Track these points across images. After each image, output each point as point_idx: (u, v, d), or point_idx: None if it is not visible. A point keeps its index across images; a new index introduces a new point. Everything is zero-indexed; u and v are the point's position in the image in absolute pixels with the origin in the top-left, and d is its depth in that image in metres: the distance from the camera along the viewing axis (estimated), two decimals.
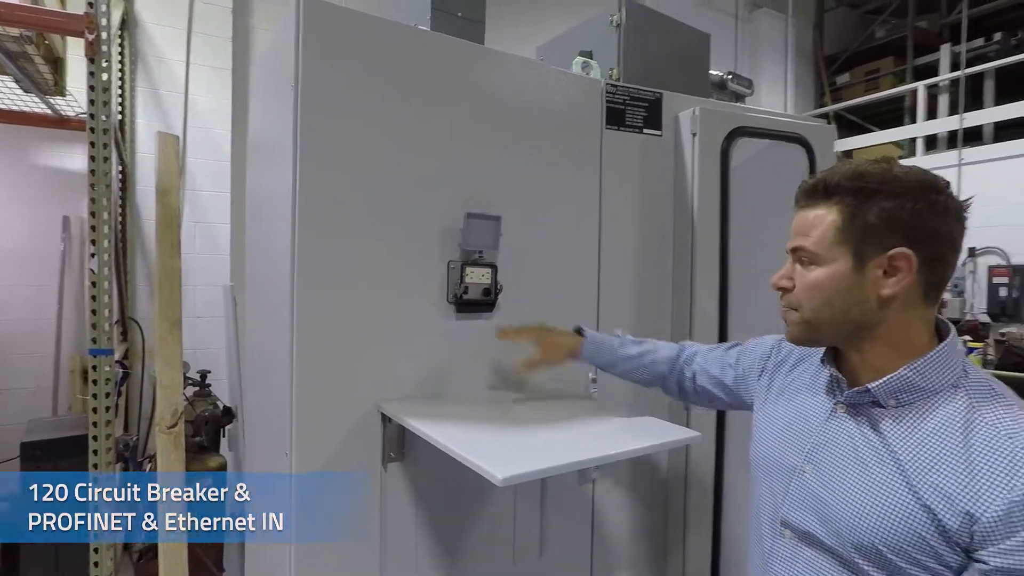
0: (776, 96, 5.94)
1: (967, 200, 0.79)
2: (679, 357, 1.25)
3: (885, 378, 0.78)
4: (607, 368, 1.30)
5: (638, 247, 1.63)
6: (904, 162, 4.98)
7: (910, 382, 0.77)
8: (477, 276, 1.31)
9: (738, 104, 2.02)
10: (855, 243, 0.77)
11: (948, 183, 0.78)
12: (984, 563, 0.67)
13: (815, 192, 0.81)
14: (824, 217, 0.79)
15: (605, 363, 1.30)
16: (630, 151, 1.60)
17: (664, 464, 1.69)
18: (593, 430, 1.12)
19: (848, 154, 6.42)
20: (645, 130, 1.61)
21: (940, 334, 0.81)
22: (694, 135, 1.59)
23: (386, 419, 1.22)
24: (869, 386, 0.79)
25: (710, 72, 1.94)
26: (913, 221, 0.75)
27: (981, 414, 0.73)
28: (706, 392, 1.17)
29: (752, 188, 1.62)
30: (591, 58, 1.63)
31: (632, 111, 1.58)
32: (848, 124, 6.50)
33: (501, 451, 0.95)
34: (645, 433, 1.12)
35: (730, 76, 1.98)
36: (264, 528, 1.26)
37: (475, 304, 1.34)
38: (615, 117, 1.55)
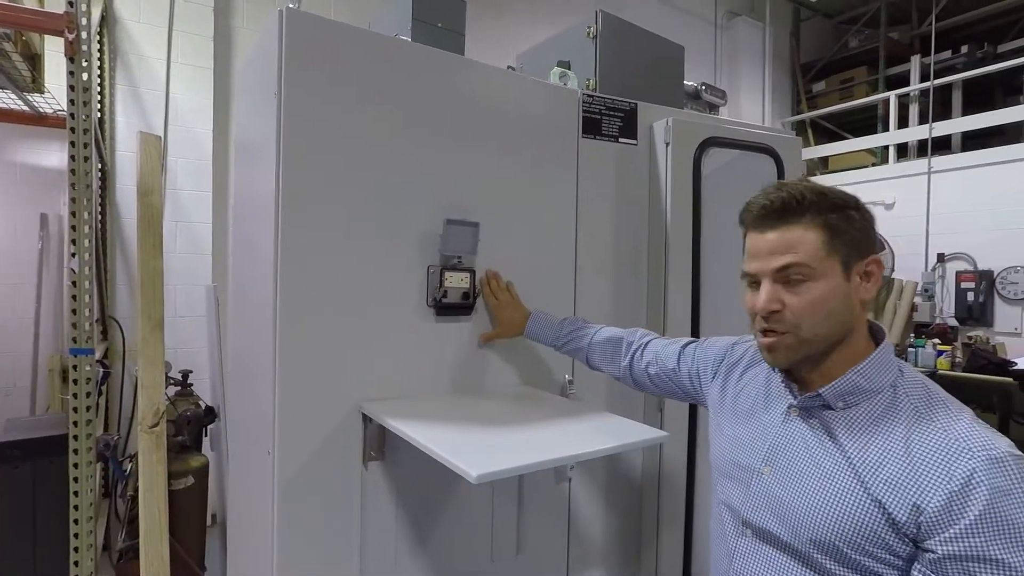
0: (754, 103, 6.07)
1: None
2: (628, 341, 1.30)
3: (834, 382, 0.83)
4: (553, 344, 1.42)
5: (614, 252, 1.69)
6: (877, 169, 5.15)
7: (855, 384, 0.82)
8: (456, 280, 1.36)
9: (711, 115, 2.09)
10: (842, 254, 0.81)
11: None
12: (932, 551, 0.71)
13: (788, 211, 0.82)
14: (806, 233, 0.81)
15: (549, 339, 1.42)
16: (606, 159, 1.65)
17: (638, 463, 1.75)
18: (566, 430, 1.16)
19: (824, 161, 6.59)
20: (621, 139, 1.66)
21: (875, 337, 0.87)
22: (667, 144, 1.64)
23: (367, 419, 1.26)
24: (820, 391, 0.84)
25: (684, 83, 2.00)
26: (871, 230, 0.84)
27: (918, 411, 0.79)
28: (662, 383, 1.23)
29: (723, 196, 1.69)
30: (569, 68, 1.68)
31: (608, 120, 1.63)
32: (824, 131, 6.66)
33: (477, 450, 1.00)
34: (615, 433, 1.17)
35: (704, 87, 2.04)
36: (247, 524, 1.28)
37: (454, 307, 1.38)
38: (591, 126, 1.60)
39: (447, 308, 1.37)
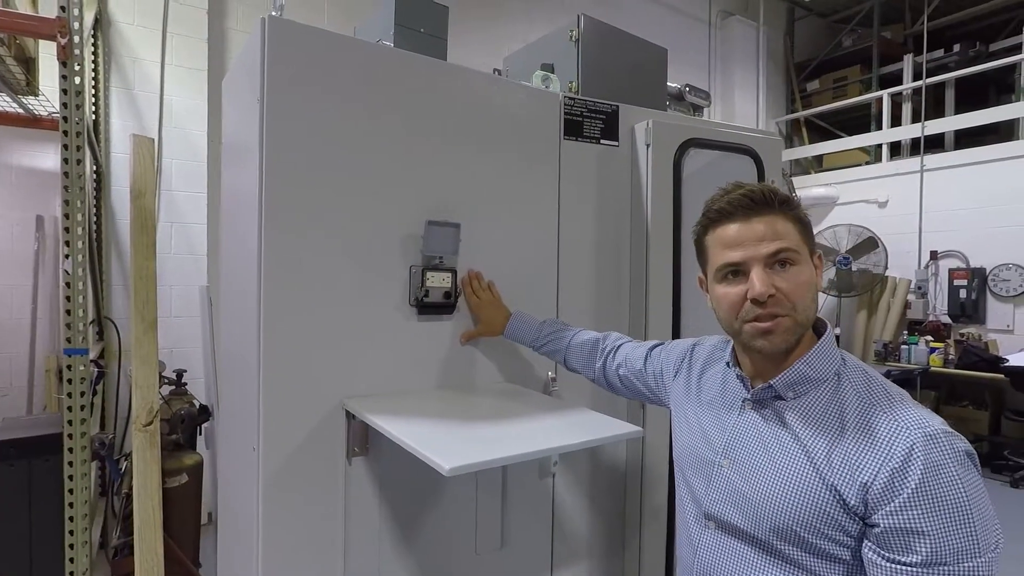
0: (749, 102, 6.10)
1: None
2: (602, 345, 1.35)
3: (783, 373, 0.87)
4: (532, 345, 1.45)
5: (595, 252, 1.72)
6: (871, 168, 5.14)
7: (803, 374, 0.86)
8: (438, 280, 1.39)
9: (695, 116, 2.12)
10: (809, 245, 0.89)
11: None
12: (876, 525, 0.75)
13: (770, 203, 0.87)
14: (787, 223, 0.87)
15: (528, 340, 1.45)
16: (588, 161, 1.68)
17: (622, 458, 1.78)
18: (543, 425, 1.19)
19: (818, 159, 6.62)
20: (603, 141, 1.69)
21: (817, 329, 0.91)
22: (648, 146, 1.67)
23: (350, 415, 1.29)
24: (771, 382, 0.88)
25: (669, 84, 2.03)
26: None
27: (861, 397, 0.84)
28: (631, 384, 1.27)
29: (703, 196, 1.70)
30: (552, 72, 1.71)
31: (590, 123, 1.66)
32: (818, 129, 6.69)
33: (452, 444, 1.03)
34: (591, 428, 1.20)
35: (688, 88, 2.07)
36: (235, 520, 1.31)
37: (436, 307, 1.41)
38: (573, 128, 1.64)
39: (429, 307, 1.40)
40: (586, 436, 1.12)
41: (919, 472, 0.73)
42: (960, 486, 0.72)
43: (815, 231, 6.07)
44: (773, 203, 0.87)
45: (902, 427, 0.77)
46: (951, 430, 0.77)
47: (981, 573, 0.71)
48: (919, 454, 0.74)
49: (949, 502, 0.72)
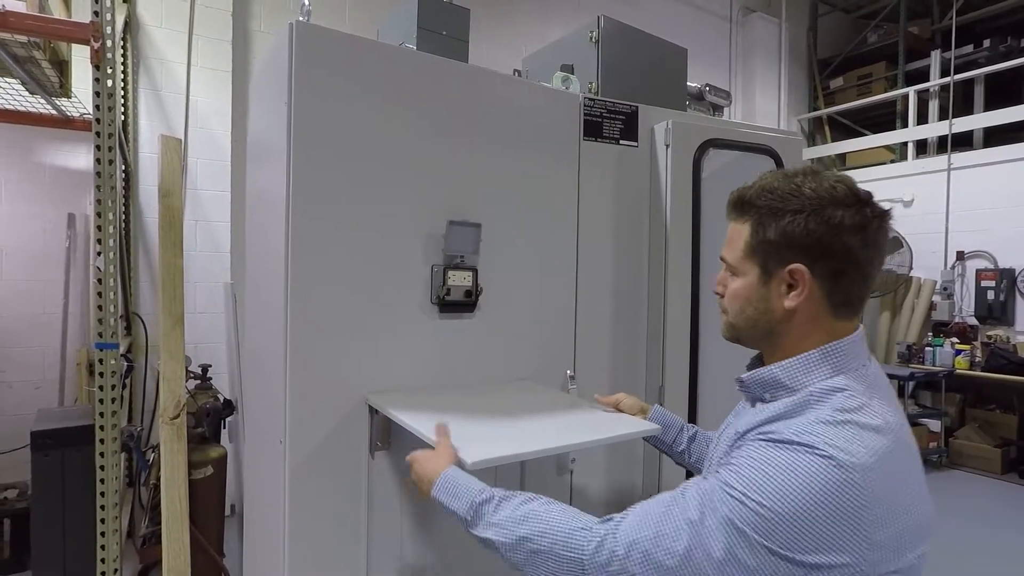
0: (770, 99, 6.02)
1: (879, 213, 0.79)
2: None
3: (752, 371, 0.87)
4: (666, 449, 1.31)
5: (614, 252, 1.72)
6: (896, 166, 4.91)
7: (775, 378, 0.82)
8: (459, 279, 1.41)
9: (715, 116, 2.11)
10: (760, 258, 0.82)
11: (859, 196, 0.79)
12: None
13: (736, 206, 0.86)
14: (741, 231, 0.85)
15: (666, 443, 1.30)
16: (607, 161, 1.69)
17: (639, 455, 1.79)
18: (562, 422, 1.21)
19: (842, 157, 6.52)
20: (622, 141, 1.70)
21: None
22: (667, 146, 1.68)
23: (373, 410, 1.32)
24: (742, 376, 0.88)
25: (689, 84, 2.02)
26: (806, 239, 0.78)
27: (799, 407, 0.77)
28: None
29: (723, 197, 1.69)
30: (571, 72, 1.72)
31: (609, 123, 1.67)
32: (841, 128, 6.59)
33: (472, 439, 1.05)
34: (609, 425, 1.21)
35: (708, 88, 2.07)
36: (261, 512, 1.35)
37: (457, 305, 1.43)
38: (592, 129, 1.64)
39: (450, 305, 1.43)
40: (604, 434, 1.13)
41: (748, 446, 0.76)
42: (779, 458, 0.71)
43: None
44: (737, 208, 0.86)
45: (778, 428, 0.76)
46: (828, 454, 0.70)
47: (723, 508, 0.72)
48: (760, 440, 0.76)
49: (758, 458, 0.73)
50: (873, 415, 0.74)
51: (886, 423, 0.74)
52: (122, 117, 3.05)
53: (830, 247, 0.78)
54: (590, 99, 1.65)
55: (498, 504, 0.90)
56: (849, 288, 0.80)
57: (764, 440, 0.75)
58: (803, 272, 0.79)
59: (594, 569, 0.79)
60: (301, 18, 1.26)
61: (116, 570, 1.97)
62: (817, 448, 0.70)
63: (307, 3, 1.30)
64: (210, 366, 2.71)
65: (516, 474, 1.56)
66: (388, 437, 1.36)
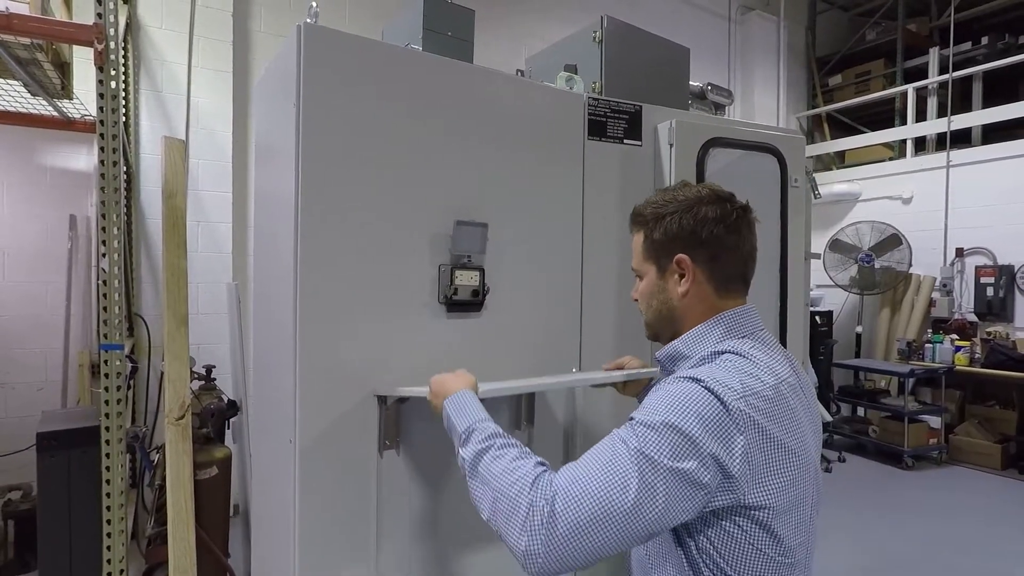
0: (769, 97, 6.04)
1: (738, 207, 0.97)
2: None
3: (663, 348, 1.03)
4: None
5: (619, 251, 1.73)
6: (894, 164, 5.01)
7: (676, 349, 1.00)
8: (466, 279, 1.42)
9: (717, 115, 2.12)
10: (654, 257, 1.00)
11: (721, 195, 0.97)
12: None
13: (632, 220, 1.05)
14: (638, 239, 1.04)
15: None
16: (611, 161, 1.70)
17: None
18: (569, 377, 1.33)
19: (840, 155, 6.53)
20: (626, 141, 1.70)
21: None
22: (671, 146, 1.68)
23: (382, 403, 1.33)
24: (657, 353, 1.05)
25: (691, 83, 2.03)
26: (682, 232, 0.96)
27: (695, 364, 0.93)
28: None
29: None
30: (575, 72, 1.72)
31: (613, 123, 1.67)
32: (840, 125, 6.60)
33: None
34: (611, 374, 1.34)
35: (710, 87, 2.07)
36: (270, 512, 1.36)
37: (464, 304, 1.44)
38: (597, 129, 1.65)
39: (457, 305, 1.43)
40: (605, 375, 1.28)
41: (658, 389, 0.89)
42: (675, 389, 0.85)
43: (837, 227, 5.93)
44: (633, 222, 1.05)
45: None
46: (714, 382, 0.83)
47: (650, 432, 0.80)
48: (668, 380, 0.90)
49: (654, 395, 0.87)
50: (754, 367, 0.88)
51: (769, 374, 0.88)
52: (124, 118, 3.05)
53: (700, 236, 0.95)
54: (594, 99, 1.66)
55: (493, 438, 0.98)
56: (725, 268, 0.97)
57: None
58: (686, 260, 0.96)
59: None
60: (309, 20, 1.26)
61: (122, 570, 1.97)
62: (701, 380, 0.84)
63: (315, 5, 1.31)
64: (214, 367, 2.72)
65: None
66: (397, 436, 1.37)
